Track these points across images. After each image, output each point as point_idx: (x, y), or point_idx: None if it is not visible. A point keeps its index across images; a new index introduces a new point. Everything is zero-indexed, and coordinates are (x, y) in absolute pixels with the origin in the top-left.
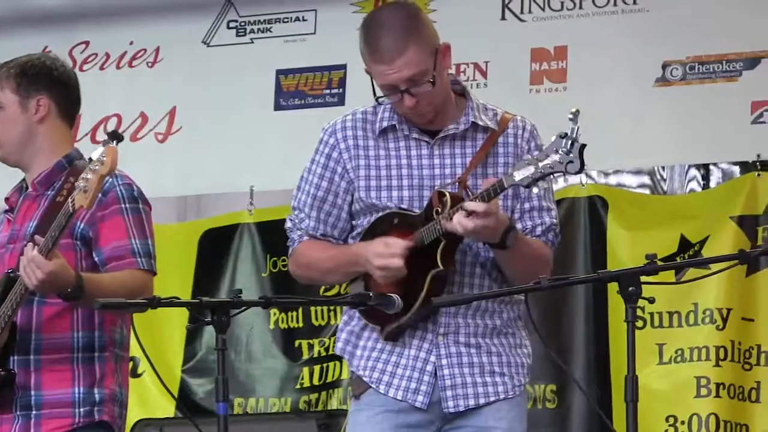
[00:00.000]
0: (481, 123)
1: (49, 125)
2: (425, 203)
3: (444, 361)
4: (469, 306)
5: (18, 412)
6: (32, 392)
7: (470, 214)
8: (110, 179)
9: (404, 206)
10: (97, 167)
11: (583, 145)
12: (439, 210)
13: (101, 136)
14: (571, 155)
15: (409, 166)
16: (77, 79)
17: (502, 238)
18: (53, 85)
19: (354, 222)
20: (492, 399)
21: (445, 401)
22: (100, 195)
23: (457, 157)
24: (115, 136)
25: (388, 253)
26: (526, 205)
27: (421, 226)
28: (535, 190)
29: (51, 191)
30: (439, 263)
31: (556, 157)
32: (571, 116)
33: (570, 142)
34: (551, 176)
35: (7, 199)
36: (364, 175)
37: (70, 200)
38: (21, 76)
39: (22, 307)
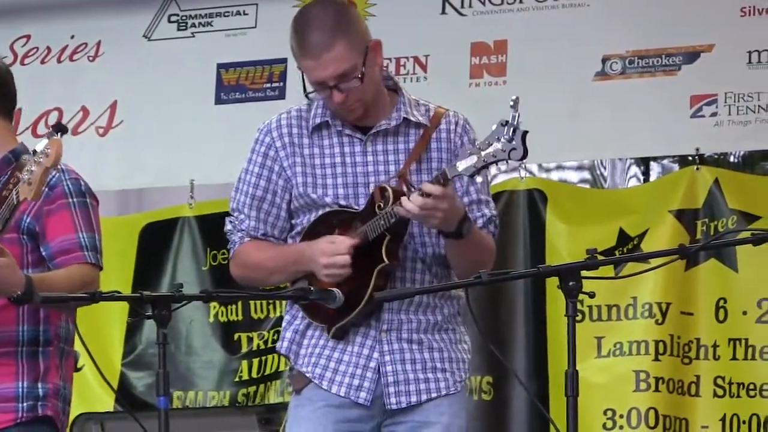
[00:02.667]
0: (413, 119)
1: None
2: (361, 200)
3: (387, 358)
4: (411, 302)
5: None
6: None
7: (426, 196)
8: (57, 174)
9: (342, 203)
10: (41, 159)
11: (526, 132)
12: (382, 205)
13: (42, 129)
14: (514, 142)
15: (343, 164)
16: (11, 73)
17: (458, 227)
18: None
19: (293, 221)
20: (434, 395)
21: (387, 397)
22: (47, 189)
23: (390, 153)
24: (60, 129)
25: (333, 251)
26: (465, 199)
27: (364, 222)
28: (479, 179)
29: None
30: (385, 258)
31: (498, 146)
32: (511, 103)
33: (512, 129)
34: (492, 166)
35: None
36: (301, 172)
37: (14, 192)
38: None
39: None
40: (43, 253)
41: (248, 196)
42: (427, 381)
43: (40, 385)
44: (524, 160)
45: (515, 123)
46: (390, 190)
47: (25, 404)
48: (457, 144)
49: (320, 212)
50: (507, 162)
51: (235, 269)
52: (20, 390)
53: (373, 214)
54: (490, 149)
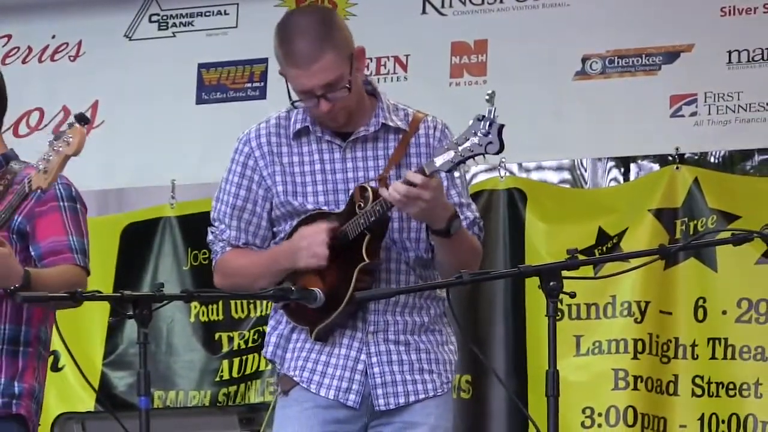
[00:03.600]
0: (391, 124)
1: None
2: (342, 206)
3: (374, 360)
4: (397, 303)
5: None
6: None
7: (410, 185)
8: None
9: (324, 209)
10: (60, 148)
11: (502, 125)
12: (362, 204)
13: (24, 130)
14: (490, 136)
15: (323, 171)
16: (2, 81)
17: (447, 224)
18: None
19: (275, 228)
20: (421, 397)
21: (375, 399)
22: (39, 192)
23: (369, 159)
24: (82, 119)
25: (312, 232)
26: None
27: (344, 222)
28: (458, 181)
29: None
30: (365, 257)
31: (475, 140)
32: (487, 97)
33: (488, 123)
34: (469, 162)
35: None
36: (281, 181)
37: (26, 181)
38: None
39: None
40: (33, 253)
41: (228, 206)
42: (415, 383)
43: (16, 384)
44: (500, 154)
45: (491, 117)
46: (370, 190)
47: (0, 401)
48: (434, 148)
49: (303, 217)
50: (484, 156)
51: (219, 279)
52: None
53: (353, 214)
54: (467, 144)
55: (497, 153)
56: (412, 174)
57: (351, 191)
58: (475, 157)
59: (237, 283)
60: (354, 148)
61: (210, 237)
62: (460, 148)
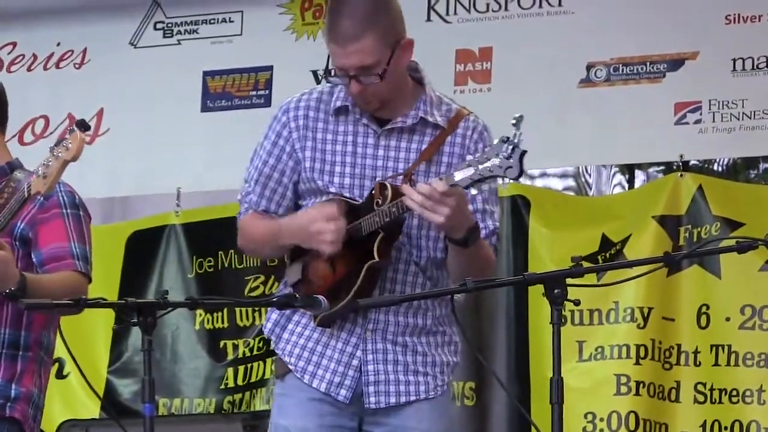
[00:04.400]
0: (430, 119)
1: None
2: (365, 192)
3: (370, 357)
4: (400, 304)
5: None
6: None
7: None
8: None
9: (345, 194)
10: (60, 153)
11: (524, 152)
12: (380, 202)
13: (29, 137)
14: (511, 160)
15: (354, 153)
16: (3, 89)
17: (466, 234)
18: None
19: (301, 202)
20: (412, 398)
21: (366, 397)
22: (42, 199)
23: (401, 150)
24: (83, 125)
25: (324, 217)
26: (470, 207)
27: (360, 216)
28: (473, 191)
29: None
30: (376, 255)
31: (496, 161)
32: (513, 121)
33: (511, 147)
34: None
35: None
36: (310, 157)
37: (26, 185)
38: None
39: None
40: (34, 259)
41: (257, 170)
42: (408, 383)
43: (13, 386)
44: (519, 179)
45: (515, 141)
46: (390, 188)
47: None
48: (470, 149)
49: (323, 198)
50: (503, 179)
51: (239, 238)
52: None
53: (370, 210)
54: (488, 164)
55: (516, 179)
56: (437, 181)
57: (377, 179)
58: (494, 179)
59: (248, 246)
60: (389, 137)
61: (239, 195)
62: (480, 167)
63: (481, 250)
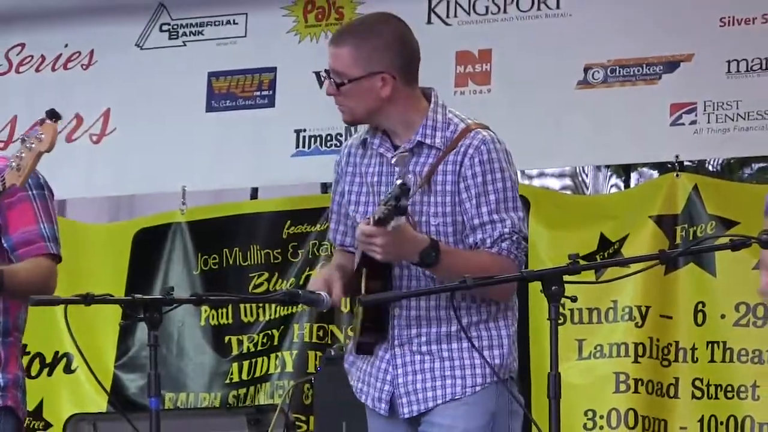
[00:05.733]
0: (428, 141)
1: None
2: None
3: (399, 371)
4: (419, 317)
5: None
6: None
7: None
8: None
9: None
10: (33, 144)
11: (406, 188)
12: None
13: None
14: (399, 200)
15: (372, 183)
16: None
17: (420, 257)
18: None
19: None
20: (440, 402)
21: (400, 407)
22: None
23: (411, 174)
24: (53, 115)
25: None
26: (476, 221)
27: None
28: (491, 197)
29: None
30: (363, 289)
31: (392, 201)
32: (399, 182)
33: (397, 188)
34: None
35: None
36: (347, 190)
37: (0, 179)
38: None
39: None
40: (5, 245)
41: (332, 211)
42: (434, 389)
43: (1, 376)
44: (403, 217)
45: (403, 180)
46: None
47: None
48: (467, 167)
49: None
50: (399, 215)
51: None
52: None
53: None
54: (384, 206)
55: (401, 215)
56: (361, 225)
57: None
58: (392, 218)
59: None
60: (399, 162)
61: None
62: (382, 208)
63: (458, 262)
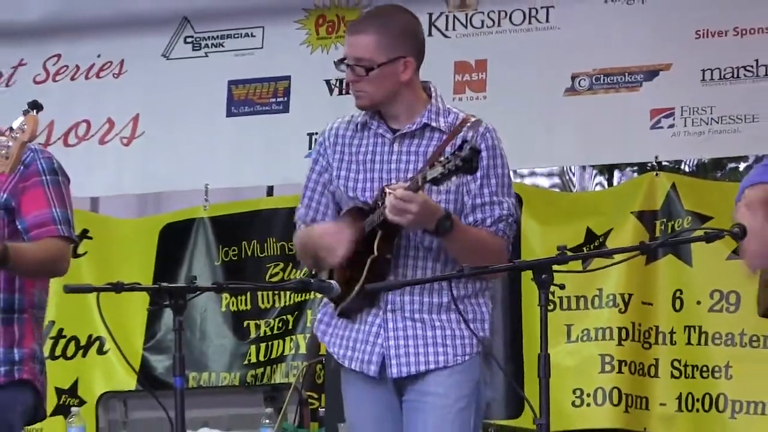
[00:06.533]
0: (434, 124)
1: None
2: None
3: (391, 334)
4: (414, 286)
5: None
6: None
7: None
8: (32, 153)
9: (362, 197)
10: (17, 135)
11: (478, 150)
12: (380, 204)
13: (73, 140)
14: (468, 157)
15: (372, 161)
16: None
17: (436, 225)
18: None
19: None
20: (432, 367)
21: (389, 368)
22: (22, 168)
23: (411, 154)
24: (35, 106)
25: (333, 232)
26: (477, 201)
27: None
28: (493, 181)
29: None
30: (375, 250)
31: (458, 161)
32: (469, 125)
33: (469, 147)
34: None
35: None
36: (337, 167)
37: None
38: None
39: None
40: (19, 227)
41: (306, 188)
42: (426, 354)
43: (16, 350)
44: (473, 174)
45: (472, 142)
46: (387, 193)
47: (2, 369)
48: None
49: (350, 205)
50: (462, 174)
51: (297, 255)
52: None
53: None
54: (450, 164)
55: (472, 173)
56: (401, 190)
57: (392, 181)
58: (456, 174)
59: (302, 258)
60: (401, 143)
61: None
62: (446, 166)
63: (467, 236)
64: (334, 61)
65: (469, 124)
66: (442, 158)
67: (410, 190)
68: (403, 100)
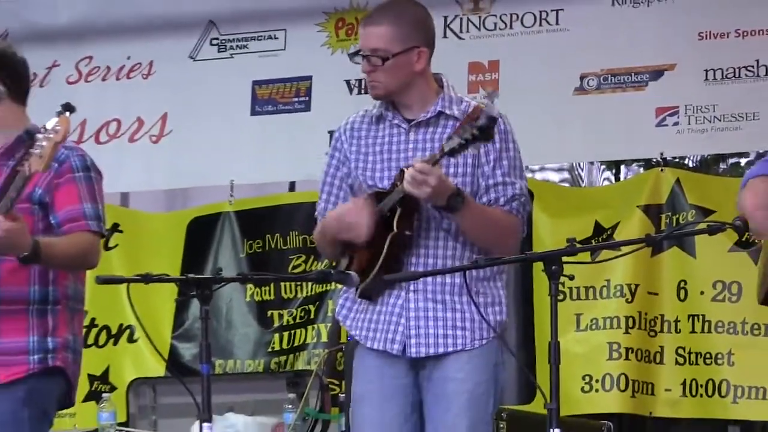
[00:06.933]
0: (448, 112)
1: (1, 107)
2: None
3: (412, 314)
4: (435, 265)
5: None
6: None
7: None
8: (66, 151)
9: (383, 185)
10: (51, 135)
11: (493, 118)
12: (398, 184)
13: (104, 137)
14: (484, 126)
15: (389, 150)
16: (26, 63)
17: (447, 201)
18: (2, 70)
19: None
20: (450, 350)
21: (409, 348)
22: (56, 164)
23: (427, 142)
24: (68, 108)
25: (355, 210)
26: (491, 181)
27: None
28: (505, 162)
29: (12, 161)
30: (395, 227)
31: (474, 130)
32: (485, 94)
33: (484, 116)
34: (472, 146)
35: None
36: (355, 158)
37: (27, 165)
38: None
39: None
40: (52, 221)
41: (324, 183)
42: (446, 336)
43: (49, 339)
44: (492, 141)
45: (487, 111)
46: (406, 172)
47: (35, 356)
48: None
49: (367, 193)
50: (477, 143)
51: (318, 249)
52: (31, 344)
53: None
54: (467, 134)
55: (489, 140)
56: (419, 163)
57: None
58: (474, 143)
59: (324, 250)
60: (417, 132)
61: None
62: (463, 136)
63: (480, 214)
64: (349, 54)
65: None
66: (460, 130)
67: (429, 163)
68: (416, 90)
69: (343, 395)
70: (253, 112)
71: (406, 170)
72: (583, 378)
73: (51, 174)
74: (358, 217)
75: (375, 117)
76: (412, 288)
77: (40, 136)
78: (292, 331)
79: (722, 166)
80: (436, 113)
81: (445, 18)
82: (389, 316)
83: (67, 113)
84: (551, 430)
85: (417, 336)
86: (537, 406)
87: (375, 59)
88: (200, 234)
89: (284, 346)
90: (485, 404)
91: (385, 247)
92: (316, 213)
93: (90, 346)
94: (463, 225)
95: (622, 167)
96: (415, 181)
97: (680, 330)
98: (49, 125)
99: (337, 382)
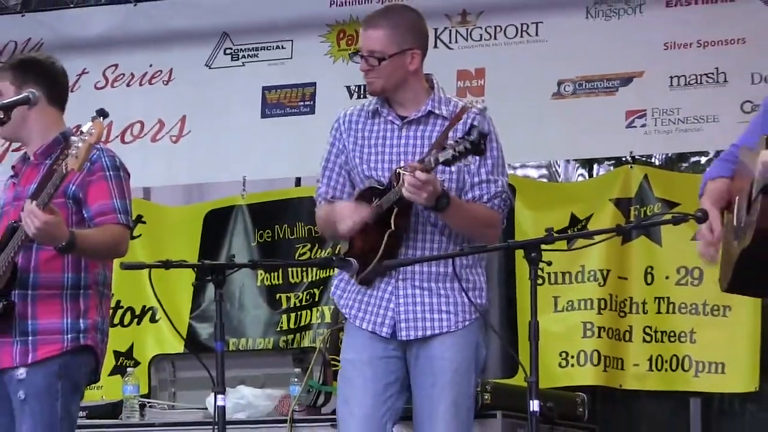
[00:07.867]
0: (437, 111)
1: (39, 111)
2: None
3: (401, 300)
4: (424, 255)
5: (17, 338)
6: (29, 321)
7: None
8: (98, 152)
9: (376, 175)
10: (86, 137)
11: (484, 134)
12: (395, 185)
13: (129, 137)
14: (476, 141)
15: (383, 145)
16: (65, 72)
17: (436, 202)
18: (42, 77)
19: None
20: (437, 332)
21: (399, 331)
22: (89, 164)
23: (418, 138)
24: (102, 113)
25: (350, 208)
26: (476, 179)
27: (384, 195)
28: (489, 161)
29: (49, 160)
30: (392, 225)
31: (467, 144)
32: (477, 111)
33: (476, 131)
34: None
35: (13, 167)
36: (352, 149)
37: (63, 164)
38: (16, 69)
39: (23, 251)
40: (85, 215)
41: (323, 168)
42: (432, 320)
43: (81, 321)
44: (480, 156)
45: (479, 127)
46: (402, 174)
47: (69, 336)
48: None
49: (365, 183)
50: (470, 156)
51: (318, 228)
52: (65, 324)
53: (389, 190)
54: (460, 147)
55: (480, 154)
56: (419, 173)
57: (401, 163)
58: (464, 156)
59: (325, 231)
60: (408, 129)
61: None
62: (456, 149)
63: (464, 211)
64: (350, 53)
65: (474, 110)
66: (451, 141)
67: (424, 170)
68: (410, 88)
69: None
70: (263, 115)
71: (402, 172)
72: (560, 354)
73: (84, 172)
74: (350, 215)
75: (371, 111)
76: (401, 276)
77: (75, 138)
78: (299, 313)
79: (684, 163)
80: (426, 112)
81: (436, 30)
82: (379, 300)
83: (101, 118)
84: (531, 400)
85: (406, 320)
86: (519, 380)
87: (372, 60)
88: (216, 225)
89: (291, 325)
90: (468, 380)
91: (383, 243)
92: (316, 195)
93: (116, 325)
94: (448, 221)
95: (595, 165)
96: (415, 189)
97: (647, 311)
98: (84, 128)
99: (338, 358)
